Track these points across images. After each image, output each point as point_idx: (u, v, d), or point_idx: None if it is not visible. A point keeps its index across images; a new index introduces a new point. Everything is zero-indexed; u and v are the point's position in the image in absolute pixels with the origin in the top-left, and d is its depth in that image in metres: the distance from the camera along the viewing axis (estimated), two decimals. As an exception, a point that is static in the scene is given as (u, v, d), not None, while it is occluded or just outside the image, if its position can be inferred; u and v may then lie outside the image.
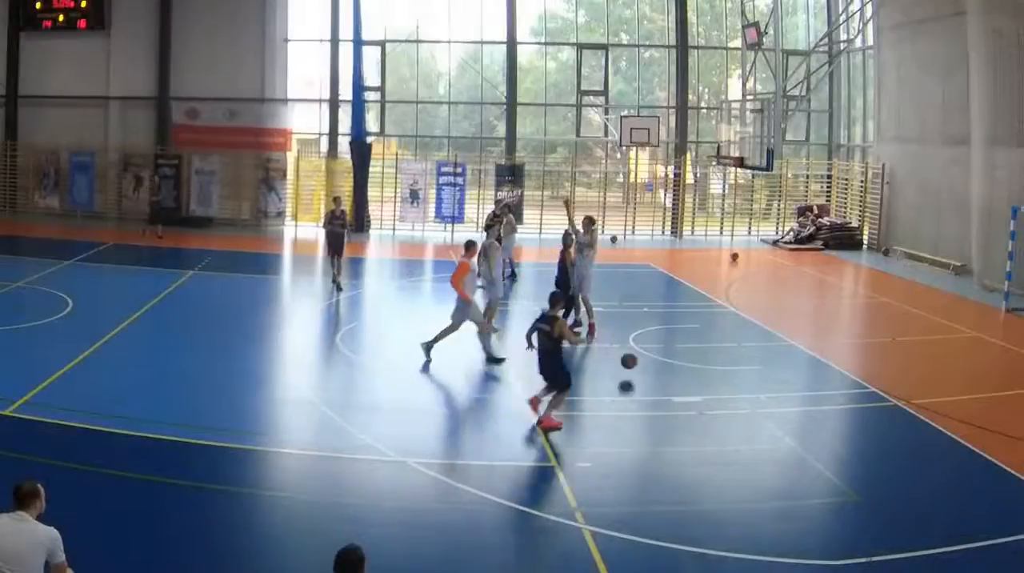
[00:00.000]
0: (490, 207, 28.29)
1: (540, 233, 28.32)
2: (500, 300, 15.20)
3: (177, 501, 8.40)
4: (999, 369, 14.55)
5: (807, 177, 31.00)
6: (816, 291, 21.80)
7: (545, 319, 10.66)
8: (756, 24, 24.01)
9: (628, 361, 12.64)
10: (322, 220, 19.42)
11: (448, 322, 13.29)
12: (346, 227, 18.97)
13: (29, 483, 5.50)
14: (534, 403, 10.73)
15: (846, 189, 29.03)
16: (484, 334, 13.37)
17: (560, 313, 10.94)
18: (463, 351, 14.05)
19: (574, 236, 15.51)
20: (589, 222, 15.91)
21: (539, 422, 10.52)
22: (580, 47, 30.16)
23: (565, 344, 10.75)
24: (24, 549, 5.26)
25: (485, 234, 17.00)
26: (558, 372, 10.66)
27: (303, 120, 29.52)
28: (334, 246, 18.51)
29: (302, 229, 27.83)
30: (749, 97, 25.87)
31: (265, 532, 8.10)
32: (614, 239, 28.06)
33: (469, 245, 13.92)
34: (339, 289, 18.22)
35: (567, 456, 9.88)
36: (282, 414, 11.43)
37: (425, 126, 32.92)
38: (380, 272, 23.11)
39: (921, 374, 13.78)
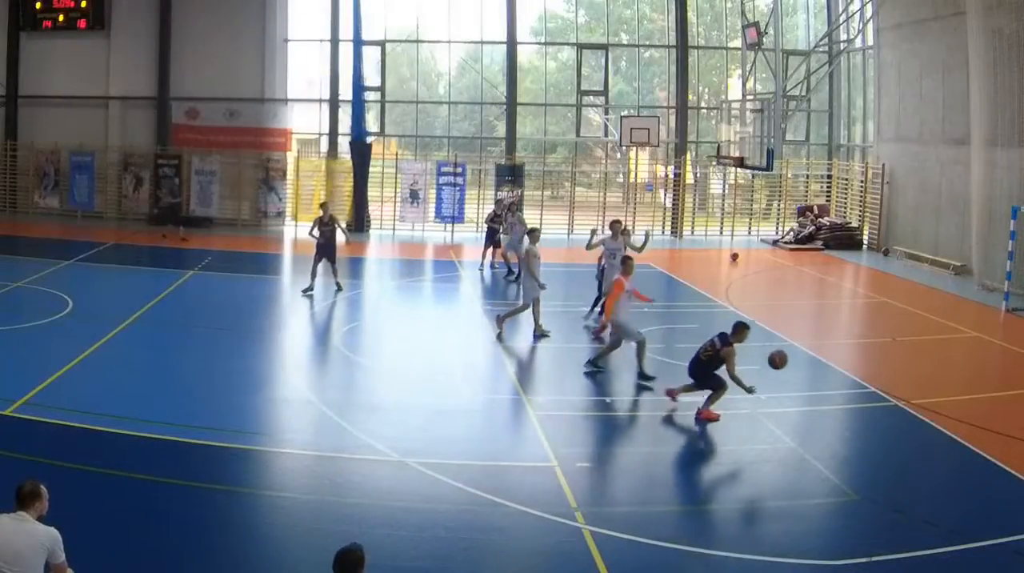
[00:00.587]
0: (490, 207, 28.39)
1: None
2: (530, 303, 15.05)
3: (177, 501, 8.40)
4: (999, 369, 14.56)
5: (807, 177, 31.00)
6: (816, 291, 21.80)
7: (725, 340, 11.02)
8: (756, 24, 24.01)
9: (776, 359, 11.24)
10: (311, 227, 18.77)
11: (607, 341, 13.59)
12: (335, 231, 18.51)
13: (30, 483, 5.50)
14: (672, 394, 11.58)
15: (846, 189, 29.03)
16: (639, 354, 12.86)
17: (738, 343, 11.12)
18: (463, 351, 14.06)
19: (605, 242, 15.78)
20: (617, 226, 16.05)
21: (698, 413, 11.07)
22: (580, 47, 30.16)
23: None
24: (24, 549, 5.26)
25: (527, 239, 16.54)
26: (711, 378, 11.13)
27: (303, 120, 29.51)
28: (326, 253, 18.10)
29: (302, 229, 27.79)
30: (749, 97, 25.87)
31: (265, 532, 8.10)
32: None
33: (625, 261, 13.55)
34: (339, 288, 18.20)
35: (567, 456, 9.88)
36: (282, 414, 11.43)
37: (425, 126, 32.93)
38: (380, 272, 23.10)
39: (921, 374, 13.77)
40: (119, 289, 18.83)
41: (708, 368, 11.13)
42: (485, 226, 22.51)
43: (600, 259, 16.29)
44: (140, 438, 9.12)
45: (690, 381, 11.42)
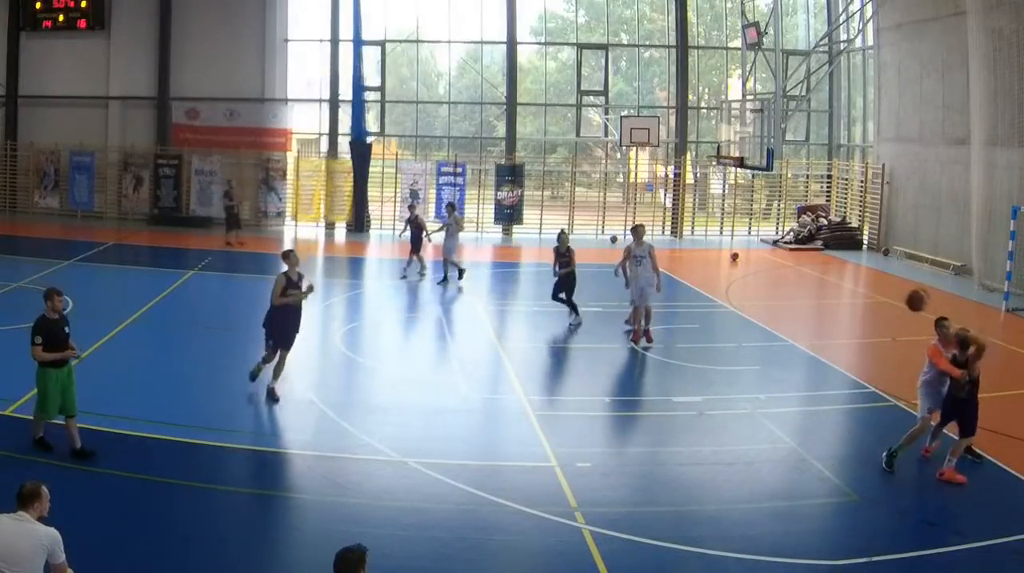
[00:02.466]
0: (490, 207, 28.40)
1: (540, 233, 28.34)
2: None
3: (177, 501, 8.41)
4: (999, 369, 14.53)
5: (807, 177, 31.00)
6: (816, 291, 21.80)
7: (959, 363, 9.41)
8: (756, 24, 24.01)
9: (915, 298, 10.85)
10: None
11: None
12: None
13: (31, 484, 5.51)
14: (927, 453, 9.99)
15: (846, 189, 29.03)
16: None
17: (942, 338, 9.79)
18: (463, 351, 14.06)
19: (631, 248, 15.05)
20: (639, 232, 15.41)
21: (941, 474, 9.38)
22: (580, 47, 30.16)
23: None
24: (24, 549, 5.27)
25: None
26: (972, 419, 9.43)
27: (303, 120, 29.52)
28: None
29: (302, 229, 27.83)
30: (749, 97, 25.87)
31: (265, 532, 8.11)
32: (614, 239, 27.96)
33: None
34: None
35: (567, 456, 9.88)
36: (282, 414, 11.42)
37: (425, 126, 32.93)
38: (380, 272, 23.09)
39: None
40: (119, 289, 18.83)
41: (971, 405, 9.38)
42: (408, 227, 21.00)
43: (624, 263, 15.25)
44: (140, 438, 9.12)
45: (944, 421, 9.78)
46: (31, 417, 9.58)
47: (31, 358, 9.22)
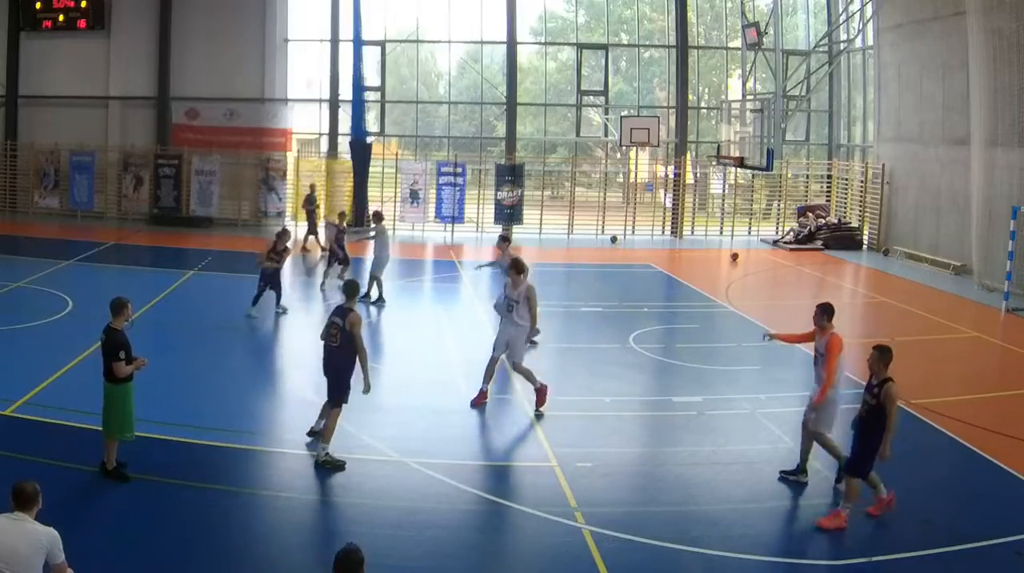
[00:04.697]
0: (490, 207, 28.39)
1: (540, 233, 28.36)
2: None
3: (177, 501, 8.40)
4: (999, 369, 14.57)
5: (807, 177, 31.01)
6: (816, 291, 21.79)
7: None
8: (756, 24, 24.01)
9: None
10: (262, 255, 16.05)
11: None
12: (282, 261, 16.24)
13: (28, 484, 5.51)
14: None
15: (846, 189, 29.03)
16: None
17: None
18: (463, 351, 14.05)
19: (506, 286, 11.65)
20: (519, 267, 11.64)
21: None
22: (580, 47, 30.16)
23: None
24: (23, 550, 5.27)
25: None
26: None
27: (303, 120, 29.52)
28: (271, 280, 15.95)
29: (302, 229, 27.78)
30: (749, 97, 25.87)
31: (265, 532, 8.10)
32: (614, 239, 28.08)
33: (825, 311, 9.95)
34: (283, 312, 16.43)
35: (567, 456, 9.88)
36: (282, 414, 11.43)
37: (425, 126, 32.94)
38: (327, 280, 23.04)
39: (921, 374, 13.76)
40: (119, 289, 18.60)
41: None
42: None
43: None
44: (140, 438, 9.10)
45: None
46: (31, 417, 9.53)
47: (107, 377, 8.66)
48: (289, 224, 28.22)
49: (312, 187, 25.01)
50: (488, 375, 11.48)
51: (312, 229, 23.81)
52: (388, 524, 8.16)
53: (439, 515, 8.42)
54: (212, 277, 20.10)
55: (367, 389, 9.38)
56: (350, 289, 9.77)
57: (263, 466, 9.65)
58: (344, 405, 9.54)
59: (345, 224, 19.28)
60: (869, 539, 8.02)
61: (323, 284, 18.70)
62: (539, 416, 11.19)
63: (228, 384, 12.15)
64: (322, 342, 9.77)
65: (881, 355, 8.38)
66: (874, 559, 7.60)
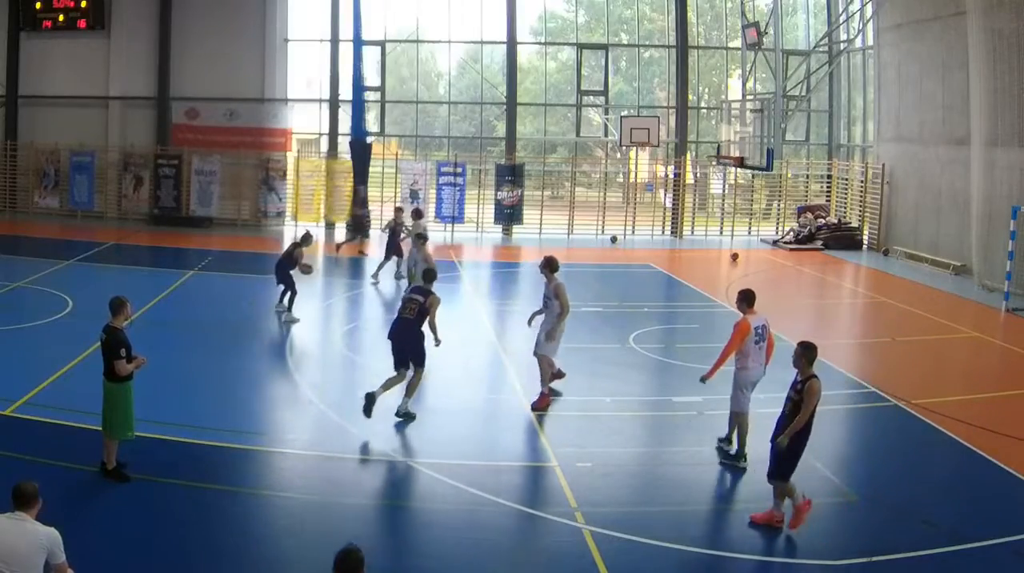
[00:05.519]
0: (490, 207, 28.40)
1: (540, 233, 28.35)
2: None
3: (177, 501, 8.40)
4: (999, 369, 14.56)
5: (807, 177, 31.01)
6: (816, 291, 21.80)
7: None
8: (756, 24, 24.01)
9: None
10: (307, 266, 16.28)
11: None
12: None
13: (30, 485, 5.51)
14: None
15: (846, 189, 29.03)
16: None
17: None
18: (463, 351, 14.04)
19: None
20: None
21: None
22: (580, 47, 30.16)
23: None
24: (24, 549, 5.28)
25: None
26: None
27: (303, 120, 29.52)
28: (288, 280, 15.97)
29: (302, 229, 27.78)
30: (749, 97, 25.87)
31: (265, 532, 8.10)
32: (614, 239, 28.08)
33: (744, 298, 10.37)
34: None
35: (567, 456, 9.88)
36: (282, 414, 11.43)
37: (425, 126, 32.94)
38: (379, 272, 23.07)
39: (921, 374, 13.78)
40: (119, 289, 18.58)
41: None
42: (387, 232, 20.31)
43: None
44: (140, 438, 9.10)
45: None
46: (31, 417, 9.53)
47: (107, 376, 8.67)
48: (289, 224, 28.33)
49: (363, 189, 24.88)
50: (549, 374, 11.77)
51: (361, 230, 23.66)
52: (388, 524, 8.16)
53: (439, 515, 8.43)
54: (212, 277, 20.10)
55: (439, 344, 11.04)
56: (430, 275, 11.52)
57: (263, 466, 9.65)
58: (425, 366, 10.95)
59: (401, 218, 20.15)
60: (869, 539, 8.02)
61: (376, 274, 19.80)
62: (537, 415, 11.20)
63: (228, 384, 12.15)
64: (396, 316, 11.26)
65: (804, 352, 8.21)
66: (874, 559, 7.60)
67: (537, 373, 11.73)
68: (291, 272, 15.97)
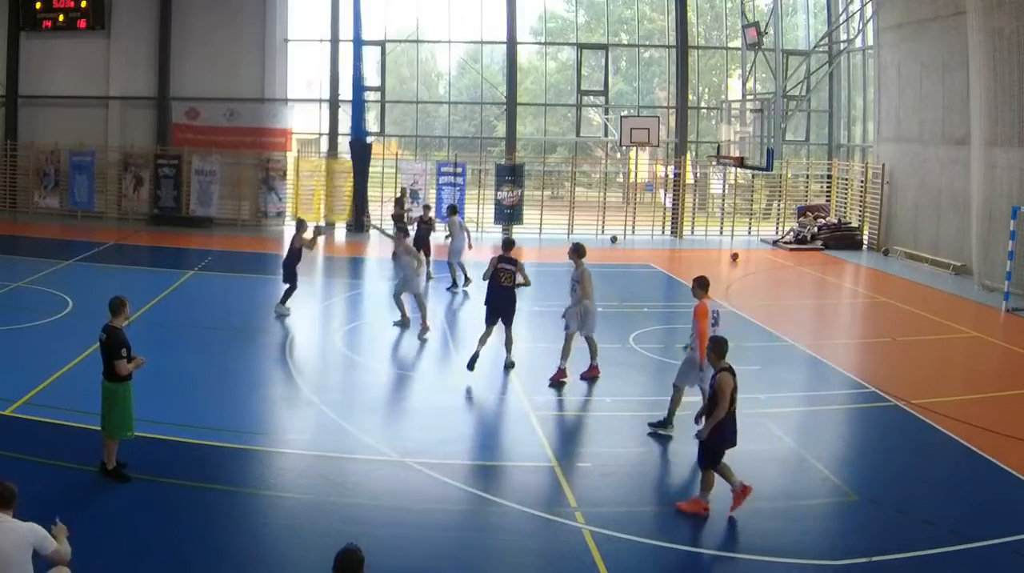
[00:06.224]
0: (491, 208, 28.40)
1: (540, 233, 28.35)
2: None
3: (177, 501, 8.40)
4: (999, 369, 14.56)
5: (807, 177, 31.01)
6: (816, 291, 21.80)
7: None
8: (756, 24, 24.01)
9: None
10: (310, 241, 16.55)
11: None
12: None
13: (8, 485, 5.57)
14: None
15: (846, 189, 29.03)
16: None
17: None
18: (463, 351, 14.04)
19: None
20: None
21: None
22: (580, 47, 30.16)
23: None
24: (8, 548, 5.37)
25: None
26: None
27: (303, 120, 29.52)
28: (292, 276, 16.25)
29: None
30: (749, 97, 25.87)
31: (265, 532, 8.10)
32: (614, 239, 28.07)
33: (698, 284, 10.76)
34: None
35: (567, 456, 9.88)
36: (282, 414, 11.43)
37: (425, 126, 32.94)
38: (380, 272, 23.06)
39: (921, 374, 13.78)
40: (119, 289, 18.56)
41: None
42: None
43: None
44: (140, 438, 9.10)
45: None
46: (31, 417, 9.53)
47: (107, 376, 8.68)
48: (289, 224, 28.32)
49: (403, 191, 24.75)
50: (565, 353, 12.59)
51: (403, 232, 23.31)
52: (388, 524, 8.16)
53: (439, 515, 8.43)
54: (212, 277, 20.10)
55: (529, 284, 13.15)
56: (509, 244, 13.33)
57: (263, 466, 9.64)
58: None
59: (431, 215, 20.76)
60: (869, 539, 8.01)
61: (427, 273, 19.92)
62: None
63: (228, 384, 12.15)
64: (491, 284, 12.83)
65: (713, 347, 8.57)
66: (874, 559, 7.60)
67: (535, 372, 11.74)
68: (297, 267, 16.19)
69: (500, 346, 13.20)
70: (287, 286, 16.24)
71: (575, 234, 28.54)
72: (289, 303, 16.20)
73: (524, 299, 19.47)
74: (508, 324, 12.88)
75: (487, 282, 12.90)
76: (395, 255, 16.29)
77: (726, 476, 8.48)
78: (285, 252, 16.83)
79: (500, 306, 12.77)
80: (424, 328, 15.05)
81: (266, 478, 9.37)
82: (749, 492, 8.47)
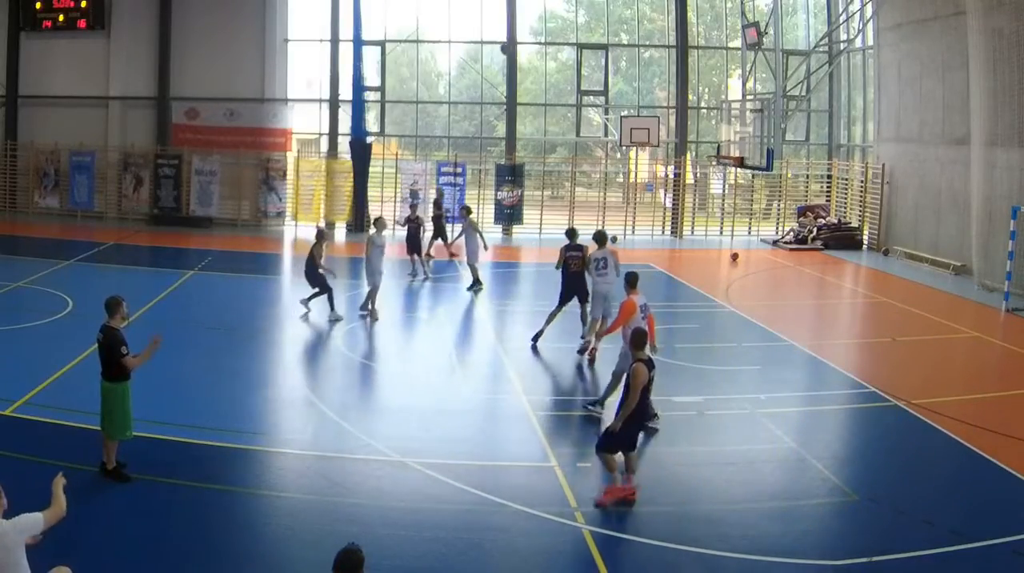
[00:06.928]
0: (490, 207, 28.39)
1: (540, 233, 28.34)
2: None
3: (177, 501, 8.40)
4: (999, 369, 14.56)
5: (807, 177, 31.01)
6: (816, 291, 21.79)
7: None
8: (756, 24, 24.01)
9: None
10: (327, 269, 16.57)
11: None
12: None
13: None
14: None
15: (846, 189, 29.03)
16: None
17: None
18: (463, 351, 14.04)
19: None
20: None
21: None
22: (580, 47, 30.16)
23: None
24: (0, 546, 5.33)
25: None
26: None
27: (303, 120, 29.51)
28: (320, 282, 16.34)
29: (302, 229, 27.81)
30: (749, 97, 25.87)
31: (265, 532, 8.10)
32: (614, 239, 28.00)
33: (627, 280, 11.59)
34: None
35: (567, 456, 9.88)
36: (282, 414, 11.43)
37: (425, 126, 32.94)
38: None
39: (921, 374, 13.77)
40: (119, 289, 18.56)
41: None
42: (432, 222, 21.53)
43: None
44: (140, 438, 9.11)
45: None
46: (31, 417, 9.53)
47: (105, 376, 8.70)
48: (289, 224, 28.33)
49: (439, 192, 24.67)
50: (593, 329, 13.84)
51: (440, 233, 22.76)
52: (388, 524, 8.16)
53: (439, 515, 8.42)
54: (212, 277, 20.10)
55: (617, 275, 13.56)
56: (574, 232, 14.59)
57: (263, 466, 9.64)
58: None
59: (419, 215, 20.93)
60: (869, 539, 8.02)
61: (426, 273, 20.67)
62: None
63: (228, 384, 12.15)
64: (563, 270, 14.33)
65: (633, 338, 8.99)
66: (874, 559, 7.60)
67: (534, 372, 11.76)
68: (319, 272, 16.18)
69: (500, 346, 13.20)
70: (317, 291, 16.14)
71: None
72: (313, 304, 16.27)
73: (524, 300, 19.59)
74: (583, 302, 14.19)
75: (559, 270, 14.39)
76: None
77: (608, 465, 8.77)
78: (305, 262, 16.52)
79: (574, 288, 14.26)
80: (368, 313, 16.17)
81: (266, 478, 9.37)
82: (631, 495, 8.66)
